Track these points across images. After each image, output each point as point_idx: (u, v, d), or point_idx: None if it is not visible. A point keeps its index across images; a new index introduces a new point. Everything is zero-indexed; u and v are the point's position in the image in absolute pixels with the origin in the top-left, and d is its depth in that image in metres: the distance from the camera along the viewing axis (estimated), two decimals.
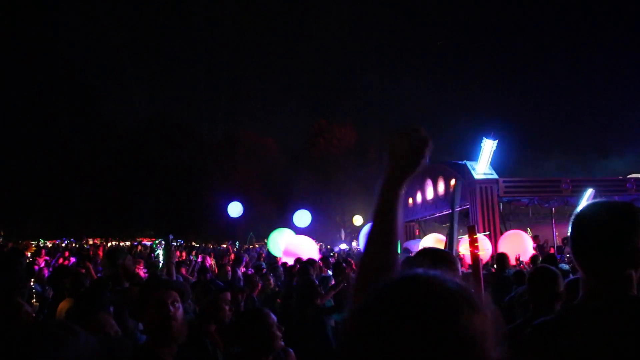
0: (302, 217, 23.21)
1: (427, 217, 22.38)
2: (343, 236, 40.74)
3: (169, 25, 61.26)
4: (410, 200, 23.92)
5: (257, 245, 30.90)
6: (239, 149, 44.18)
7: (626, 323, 1.42)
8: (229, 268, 8.97)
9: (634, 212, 1.55)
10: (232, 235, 40.64)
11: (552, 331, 1.53)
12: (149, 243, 28.64)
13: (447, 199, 19.35)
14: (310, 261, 7.95)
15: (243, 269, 9.84)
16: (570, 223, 1.64)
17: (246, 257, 13.06)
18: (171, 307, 2.38)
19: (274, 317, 2.89)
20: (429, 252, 2.32)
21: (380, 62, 71.15)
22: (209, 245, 34.97)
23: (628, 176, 20.00)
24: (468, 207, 17.25)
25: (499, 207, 16.85)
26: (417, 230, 24.62)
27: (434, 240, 13.10)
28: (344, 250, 27.49)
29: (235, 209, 25.24)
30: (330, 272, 8.99)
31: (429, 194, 21.30)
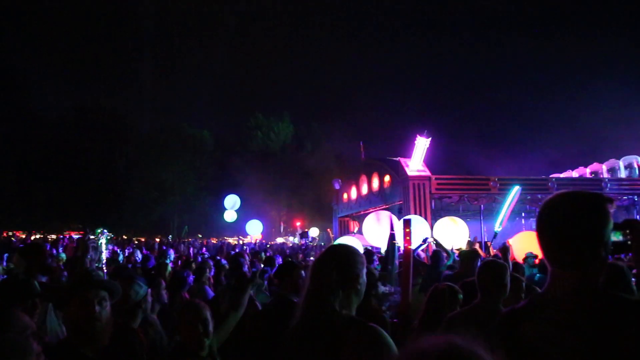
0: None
1: (362, 213, 22.70)
2: (282, 230, 40.71)
3: (107, 12, 58.92)
4: (345, 196, 24.19)
5: (192, 239, 30.33)
6: (173, 141, 43.18)
7: (588, 313, 1.44)
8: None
9: (601, 204, 1.55)
10: (166, 228, 39.77)
11: (518, 320, 1.55)
12: (77, 236, 27.50)
13: (381, 195, 19.72)
14: (240, 254, 7.89)
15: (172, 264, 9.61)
16: (538, 215, 1.62)
17: (183, 250, 12.73)
18: (97, 307, 2.33)
19: (204, 307, 3.03)
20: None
21: (319, 59, 71.41)
22: (141, 239, 34.04)
23: (550, 176, 21.09)
24: (401, 203, 17.64)
25: (431, 203, 17.32)
26: (352, 226, 24.93)
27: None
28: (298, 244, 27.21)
29: (231, 203, 25.02)
30: (262, 266, 8.93)
31: (364, 189, 21.62)
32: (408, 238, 4.11)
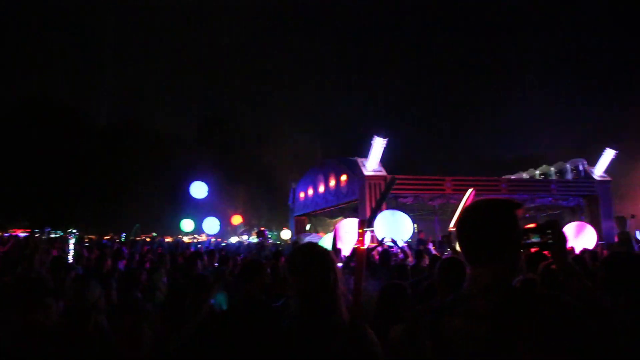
0: (199, 189, 23.13)
1: (318, 211, 22.74)
2: (240, 229, 40.32)
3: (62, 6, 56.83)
4: (302, 195, 24.18)
5: (148, 239, 29.64)
6: (130, 137, 42.10)
7: (496, 307, 1.57)
8: (109, 262, 8.48)
9: (510, 209, 1.71)
10: (118, 226, 38.75)
11: (442, 314, 1.68)
12: (23, 235, 26.49)
13: (337, 194, 19.79)
14: (198, 254, 7.79)
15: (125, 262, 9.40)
16: (457, 219, 1.79)
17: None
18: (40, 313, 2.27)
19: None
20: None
21: (280, 57, 71.17)
22: (92, 237, 33.06)
23: (502, 177, 21.68)
24: (357, 202, 17.76)
25: (387, 202, 17.50)
26: (307, 224, 24.94)
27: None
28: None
29: (199, 190, 24.38)
30: (216, 265, 8.84)
31: (321, 188, 21.66)
32: (361, 239, 4.14)
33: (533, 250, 1.86)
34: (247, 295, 4.00)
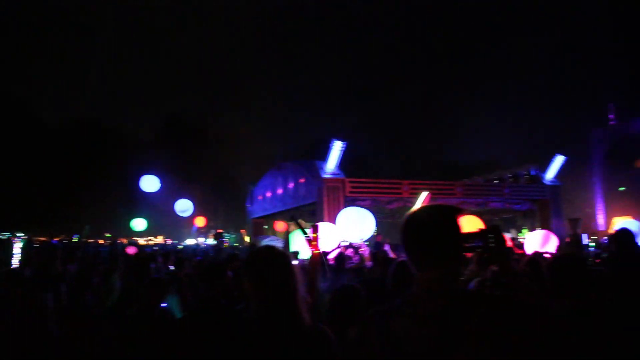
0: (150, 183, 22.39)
1: (275, 213, 22.69)
2: (195, 230, 39.76)
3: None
4: (260, 197, 24.07)
5: (101, 241, 28.87)
6: (83, 135, 40.92)
7: (439, 309, 1.63)
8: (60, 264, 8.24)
9: (450, 215, 1.79)
10: (70, 228, 37.61)
11: (390, 316, 1.73)
12: None
13: (295, 197, 19.79)
14: (152, 256, 7.65)
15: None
16: (402, 224, 1.83)
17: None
18: None
19: None
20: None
21: (238, 61, 70.69)
22: (41, 239, 31.99)
23: (458, 181, 22.12)
24: (315, 205, 17.80)
25: (344, 205, 17.59)
26: (265, 226, 24.85)
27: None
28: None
29: (149, 184, 23.23)
30: (172, 268, 8.69)
31: (279, 191, 21.61)
32: (315, 243, 4.18)
33: (470, 254, 1.93)
34: (207, 299, 3.93)
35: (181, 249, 22.23)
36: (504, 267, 1.87)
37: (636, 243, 4.80)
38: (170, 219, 38.45)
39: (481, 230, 1.88)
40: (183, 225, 40.28)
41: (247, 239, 31.16)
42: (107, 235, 36.50)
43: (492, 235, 1.86)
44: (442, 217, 1.79)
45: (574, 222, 14.06)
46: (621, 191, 25.43)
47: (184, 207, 25.10)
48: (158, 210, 34.22)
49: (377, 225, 21.58)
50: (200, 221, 33.82)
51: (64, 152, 39.58)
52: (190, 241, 33.09)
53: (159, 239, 36.85)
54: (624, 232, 4.65)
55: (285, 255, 2.29)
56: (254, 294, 2.17)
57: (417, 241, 1.78)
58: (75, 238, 29.82)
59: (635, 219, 21.86)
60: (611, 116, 26.46)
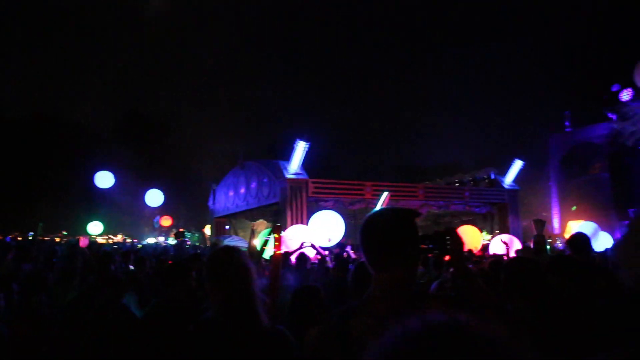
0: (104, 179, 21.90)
1: (238, 213, 22.53)
2: (157, 229, 39.09)
3: None
4: (223, 196, 23.87)
5: (57, 239, 28.04)
6: (39, 130, 39.72)
7: (395, 307, 1.67)
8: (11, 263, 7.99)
9: (407, 218, 1.84)
10: (24, 225, 36.44)
11: (349, 316, 1.76)
12: None
13: (258, 197, 19.70)
14: (109, 254, 7.52)
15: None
16: (361, 227, 1.86)
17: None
18: None
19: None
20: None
21: (201, 57, 69.86)
22: None
23: (420, 184, 22.44)
24: (278, 205, 17.77)
25: (307, 206, 17.62)
26: (227, 226, 24.65)
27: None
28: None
29: (104, 180, 22.54)
30: (131, 267, 8.54)
31: (242, 190, 21.48)
32: (277, 244, 4.21)
33: (430, 255, 1.99)
34: (169, 299, 3.87)
35: (141, 248, 21.83)
36: (460, 269, 1.92)
37: (591, 247, 4.95)
38: (130, 217, 37.72)
39: (438, 232, 1.92)
40: (144, 223, 39.58)
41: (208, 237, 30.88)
42: (64, 233, 35.58)
43: (449, 237, 1.91)
44: (398, 220, 1.83)
45: (540, 223, 14.35)
46: (576, 195, 26.24)
47: (153, 197, 24.72)
48: (118, 208, 33.53)
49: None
50: (166, 221, 33.32)
51: (18, 147, 38.37)
52: (151, 240, 32.52)
53: (119, 238, 36.08)
54: (580, 237, 4.79)
55: (244, 256, 2.29)
56: (214, 294, 2.18)
57: (373, 243, 1.81)
58: (30, 236, 28.96)
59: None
60: (567, 123, 27.27)
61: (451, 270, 2.20)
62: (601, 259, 8.06)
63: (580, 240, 4.63)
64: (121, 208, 34.20)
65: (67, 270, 7.24)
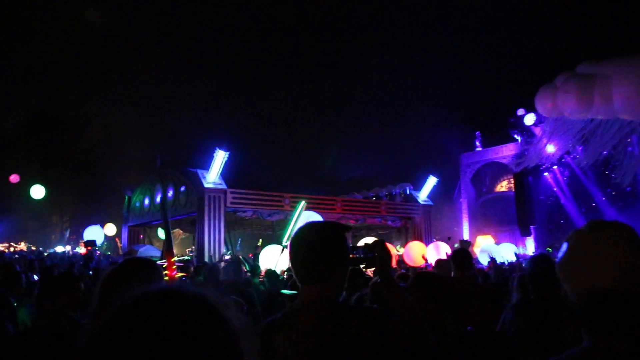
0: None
1: (153, 223, 21.90)
2: (67, 237, 37.13)
3: None
4: (138, 204, 23.13)
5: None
6: None
7: (320, 320, 1.71)
8: None
9: (337, 232, 1.87)
10: None
11: (274, 330, 1.78)
12: None
13: (175, 206, 19.25)
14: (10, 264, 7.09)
15: None
16: (289, 241, 1.91)
17: None
18: None
19: None
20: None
21: (115, 56, 67.39)
22: None
23: (338, 197, 22.82)
24: (195, 215, 17.45)
25: (225, 216, 17.45)
26: (142, 235, 23.87)
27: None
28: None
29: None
30: (35, 277, 8.11)
31: (158, 199, 20.90)
32: (173, 267, 4.07)
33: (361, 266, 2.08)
34: (52, 312, 3.67)
35: (46, 256, 20.65)
36: (386, 280, 1.97)
37: (472, 262, 5.25)
38: (35, 223, 35.67)
39: (367, 244, 2.00)
40: (51, 231, 37.54)
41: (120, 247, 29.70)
42: None
43: (377, 249, 1.97)
44: (331, 233, 1.86)
45: (465, 244, 15.18)
46: (483, 211, 27.72)
47: (37, 191, 23.71)
48: (21, 214, 31.62)
49: (258, 238, 21.65)
50: (109, 229, 31.66)
51: None
52: (59, 249, 30.80)
53: (22, 246, 33.93)
54: (462, 252, 5.06)
55: (155, 266, 2.26)
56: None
57: (305, 257, 1.82)
58: None
59: (492, 237, 24.03)
60: (477, 142, 28.79)
61: (372, 282, 2.30)
62: (483, 274, 8.50)
63: (461, 256, 4.90)
64: (25, 214, 32.27)
65: None
